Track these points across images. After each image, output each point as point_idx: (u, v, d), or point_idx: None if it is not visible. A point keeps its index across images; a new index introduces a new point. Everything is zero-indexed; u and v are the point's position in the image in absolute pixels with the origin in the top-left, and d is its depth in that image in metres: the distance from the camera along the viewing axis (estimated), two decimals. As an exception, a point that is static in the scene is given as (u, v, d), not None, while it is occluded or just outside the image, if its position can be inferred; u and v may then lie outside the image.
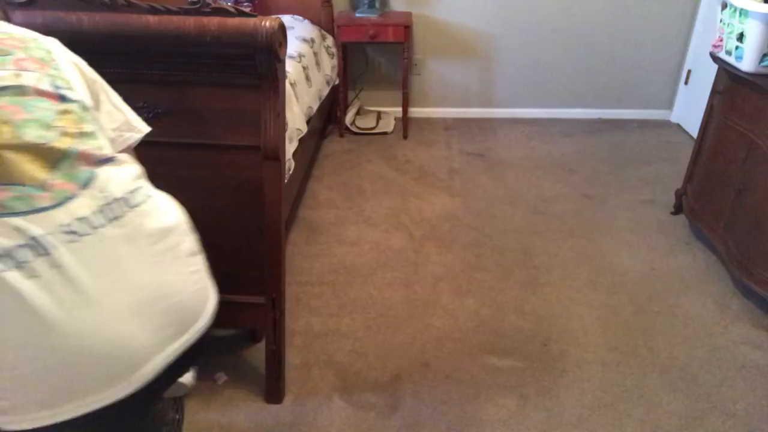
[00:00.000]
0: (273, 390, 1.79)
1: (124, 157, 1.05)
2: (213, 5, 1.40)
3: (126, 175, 1.02)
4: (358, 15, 3.42)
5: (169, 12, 1.40)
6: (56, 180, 0.90)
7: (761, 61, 2.13)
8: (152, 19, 1.39)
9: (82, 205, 0.92)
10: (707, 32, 3.43)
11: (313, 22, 3.45)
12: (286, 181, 1.89)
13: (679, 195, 2.77)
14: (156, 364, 0.98)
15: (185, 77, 1.49)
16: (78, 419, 0.90)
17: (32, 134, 0.88)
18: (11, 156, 0.86)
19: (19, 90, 0.90)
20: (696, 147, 2.64)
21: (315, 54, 3.13)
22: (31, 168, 0.87)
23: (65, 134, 0.92)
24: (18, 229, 0.85)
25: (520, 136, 3.64)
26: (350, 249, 2.53)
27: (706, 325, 2.12)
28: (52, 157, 0.90)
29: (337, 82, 3.52)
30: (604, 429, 1.71)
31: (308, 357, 1.96)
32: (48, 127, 0.91)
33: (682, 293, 2.27)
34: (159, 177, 1.61)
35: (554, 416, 1.75)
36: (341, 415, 1.75)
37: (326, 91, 3.28)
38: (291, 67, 2.64)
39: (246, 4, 3.36)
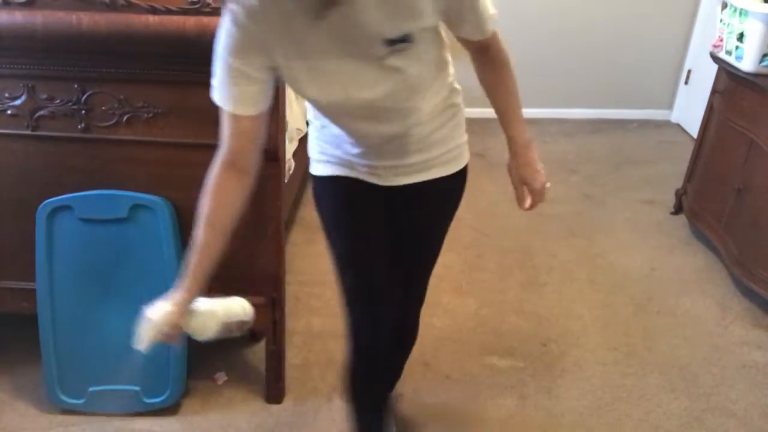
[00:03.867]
0: (273, 390, 1.79)
1: None
2: (213, 5, 1.40)
3: None
4: (358, 15, 3.41)
5: (169, 12, 1.40)
6: None
7: (761, 61, 2.13)
8: (152, 19, 1.39)
9: None
10: (707, 32, 3.43)
11: (313, 22, 3.44)
12: (286, 181, 1.89)
13: (679, 195, 2.77)
14: None
15: (185, 77, 1.49)
16: None
17: None
18: None
19: None
20: (696, 147, 2.64)
21: (315, 54, 3.13)
22: None
23: None
24: None
25: (520, 136, 3.63)
26: (350, 249, 2.53)
27: (706, 325, 2.11)
28: None
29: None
30: (604, 429, 1.71)
31: (308, 357, 1.96)
32: None
33: (682, 293, 2.27)
34: (159, 177, 1.61)
35: (554, 416, 1.75)
36: (341, 415, 1.75)
37: (326, 91, 3.27)
38: (291, 67, 2.63)
39: (246, 4, 3.36)
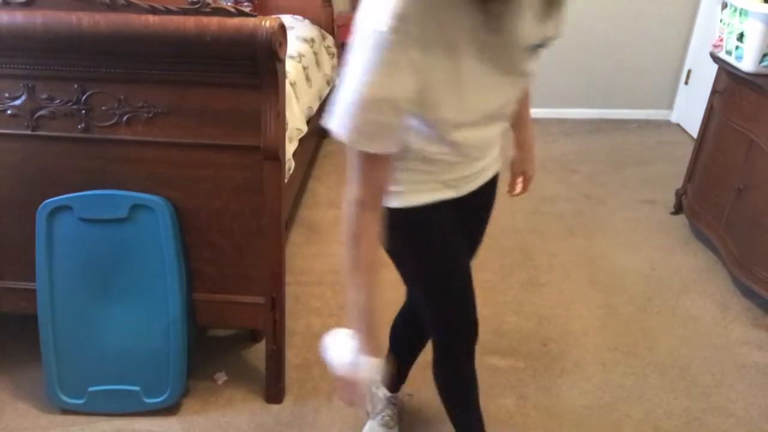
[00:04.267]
0: (273, 390, 1.79)
1: None
2: (213, 5, 1.40)
3: None
4: (358, 15, 3.41)
5: (169, 12, 1.40)
6: None
7: (761, 61, 2.13)
8: (152, 19, 1.39)
9: None
10: (707, 32, 3.43)
11: (313, 22, 3.45)
12: (286, 181, 1.89)
13: (679, 195, 2.77)
14: None
15: (185, 77, 1.49)
16: None
17: None
18: None
19: None
20: (696, 147, 2.64)
21: (315, 54, 3.13)
22: None
23: None
24: None
25: (520, 136, 3.63)
26: (350, 249, 2.53)
27: (706, 325, 2.11)
28: None
29: (337, 82, 3.51)
30: (604, 429, 1.71)
31: (308, 357, 1.96)
32: None
33: (682, 293, 2.27)
34: (159, 177, 1.61)
35: (554, 416, 1.75)
36: (341, 414, 1.75)
37: (326, 91, 3.28)
38: (291, 67, 2.64)
39: (246, 4, 3.36)
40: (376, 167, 0.96)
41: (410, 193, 1.16)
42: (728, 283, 2.32)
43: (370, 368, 1.08)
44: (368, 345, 1.08)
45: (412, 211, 1.17)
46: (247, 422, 1.73)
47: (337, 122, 0.92)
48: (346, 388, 1.10)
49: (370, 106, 0.89)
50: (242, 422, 1.73)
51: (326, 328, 2.06)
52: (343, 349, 1.12)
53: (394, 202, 1.16)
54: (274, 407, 1.78)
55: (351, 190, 0.98)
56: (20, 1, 1.41)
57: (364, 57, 0.86)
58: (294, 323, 2.10)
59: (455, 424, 1.49)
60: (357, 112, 0.89)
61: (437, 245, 1.23)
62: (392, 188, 1.14)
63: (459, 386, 1.45)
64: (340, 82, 0.91)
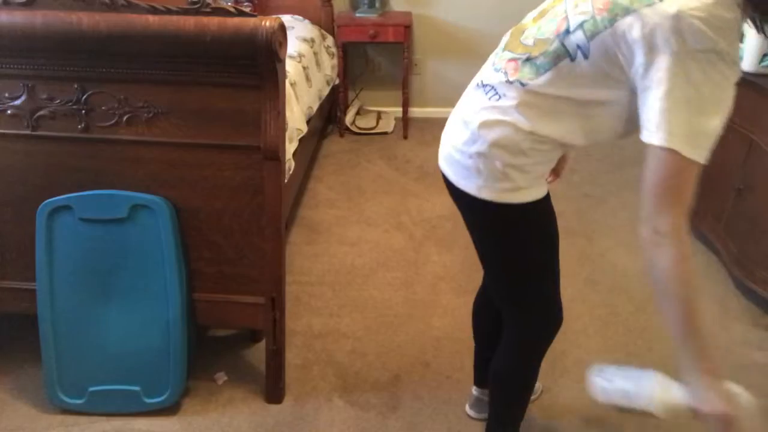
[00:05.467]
0: (273, 390, 1.79)
1: None
2: (213, 5, 1.40)
3: None
4: (358, 15, 3.42)
5: (169, 12, 1.40)
6: None
7: (761, 61, 2.13)
8: (152, 19, 1.39)
9: None
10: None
11: (313, 22, 3.45)
12: (286, 181, 1.89)
13: (679, 195, 2.76)
14: None
15: (185, 77, 1.49)
16: None
17: None
18: None
19: None
20: (696, 147, 2.64)
21: (315, 54, 3.14)
22: None
23: None
24: None
25: (520, 136, 3.63)
26: (350, 249, 2.54)
27: (706, 325, 2.11)
28: None
29: (337, 82, 3.52)
30: (604, 429, 1.71)
31: (308, 357, 1.96)
32: None
33: (682, 293, 2.27)
34: (159, 177, 1.61)
35: (554, 416, 1.75)
36: (341, 415, 1.76)
37: (326, 91, 3.28)
38: (291, 67, 2.64)
39: (246, 4, 3.36)
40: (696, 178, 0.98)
41: (539, 185, 1.25)
42: (728, 283, 2.32)
43: (746, 401, 1.02)
44: (715, 367, 1.06)
45: (539, 201, 1.26)
46: (247, 422, 1.73)
47: (690, 143, 0.96)
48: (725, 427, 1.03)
49: (724, 122, 0.95)
50: (242, 422, 1.73)
51: (326, 328, 2.08)
52: (674, 390, 1.11)
53: (526, 197, 1.23)
54: (274, 407, 1.78)
55: (665, 217, 1.02)
56: (20, 1, 1.41)
57: (716, 75, 0.94)
58: (294, 323, 2.10)
59: (511, 415, 1.53)
60: (718, 131, 0.95)
61: (554, 230, 1.36)
62: (523, 183, 1.21)
63: (534, 376, 1.50)
64: (675, 101, 0.95)
